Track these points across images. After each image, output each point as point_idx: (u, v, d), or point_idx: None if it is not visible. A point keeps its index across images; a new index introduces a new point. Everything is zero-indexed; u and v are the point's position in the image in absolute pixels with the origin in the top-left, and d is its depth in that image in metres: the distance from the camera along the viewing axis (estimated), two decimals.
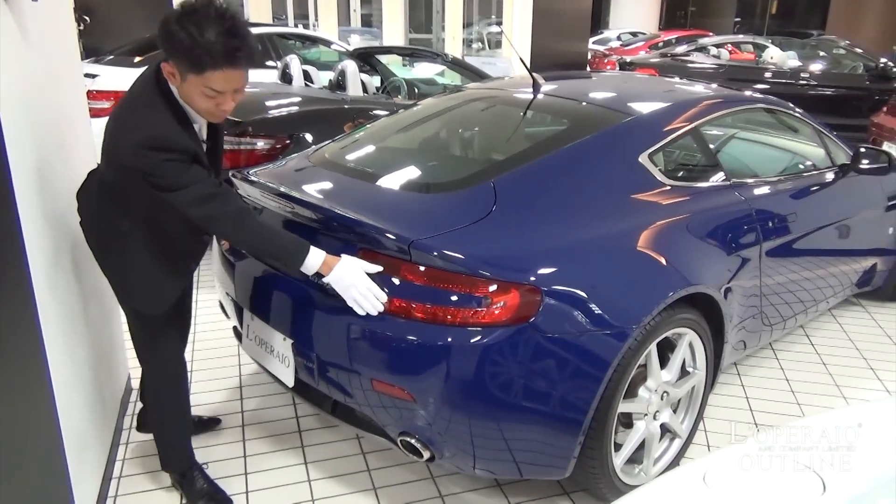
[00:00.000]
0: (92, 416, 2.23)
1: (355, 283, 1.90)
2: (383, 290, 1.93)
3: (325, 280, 1.93)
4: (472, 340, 1.87)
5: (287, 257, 1.91)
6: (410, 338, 1.89)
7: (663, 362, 2.29)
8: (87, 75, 4.85)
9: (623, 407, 2.15)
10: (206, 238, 2.11)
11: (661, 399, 2.30)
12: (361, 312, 1.91)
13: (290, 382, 2.23)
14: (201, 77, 1.69)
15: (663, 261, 2.21)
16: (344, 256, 1.94)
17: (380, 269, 1.95)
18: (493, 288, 1.88)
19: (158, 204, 1.82)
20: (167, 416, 2.21)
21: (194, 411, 2.52)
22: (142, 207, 1.90)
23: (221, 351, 3.18)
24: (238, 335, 2.57)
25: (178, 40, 1.65)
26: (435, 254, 1.89)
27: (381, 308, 1.91)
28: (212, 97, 1.74)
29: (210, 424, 2.62)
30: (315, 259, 1.90)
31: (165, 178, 1.75)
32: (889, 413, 1.65)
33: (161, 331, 2.10)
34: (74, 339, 2.12)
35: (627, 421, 2.27)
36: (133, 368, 2.97)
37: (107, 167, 1.92)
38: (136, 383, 2.92)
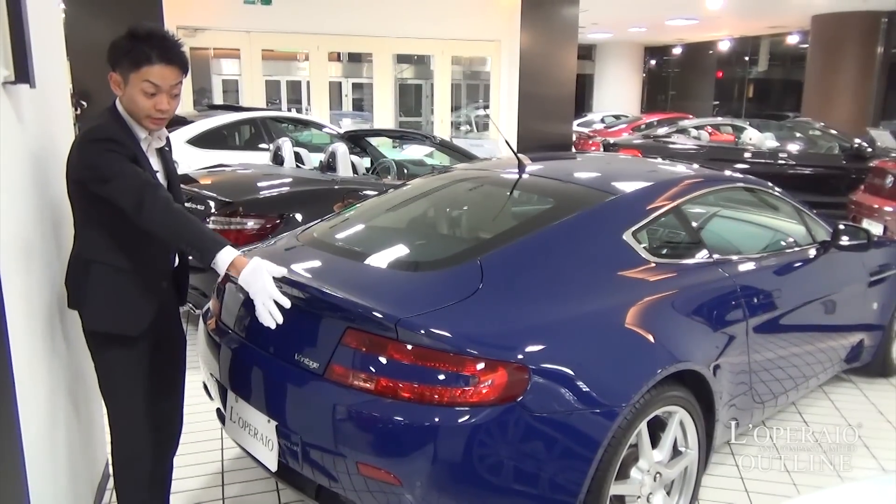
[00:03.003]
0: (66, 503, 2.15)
1: (261, 288, 1.88)
2: (368, 368, 1.92)
3: (238, 282, 1.91)
4: (459, 420, 1.84)
5: (203, 249, 1.91)
6: (397, 418, 1.86)
7: (655, 442, 2.26)
8: None
9: (615, 489, 2.10)
10: (172, 255, 2.14)
11: (654, 480, 2.25)
12: (265, 323, 1.89)
13: (274, 467, 2.16)
14: (139, 73, 1.90)
15: (651, 338, 2.22)
16: (254, 259, 1.92)
17: (284, 271, 1.96)
18: (480, 366, 1.87)
19: (118, 223, 1.91)
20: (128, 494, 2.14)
21: (174, 501, 2.43)
22: (103, 232, 1.96)
23: (203, 434, 3.10)
24: (221, 417, 2.51)
25: (120, 47, 1.92)
26: (422, 332, 1.89)
27: (275, 323, 1.89)
28: (151, 94, 1.92)
29: None
30: (226, 256, 1.88)
31: (104, 168, 1.86)
32: (885, 491, 1.62)
33: (132, 397, 2.06)
34: (53, 421, 2.07)
35: None
36: None
37: (70, 201, 2.01)
38: None
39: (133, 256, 2.00)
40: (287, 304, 1.91)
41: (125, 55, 1.91)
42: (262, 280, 1.89)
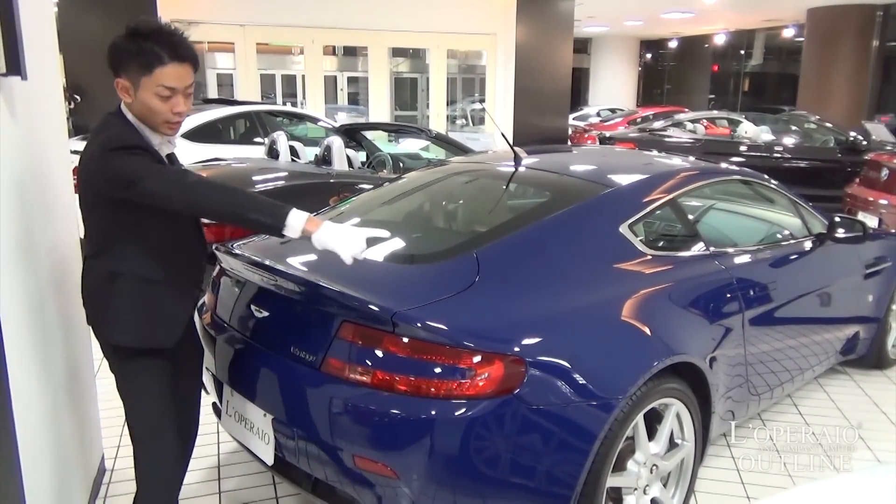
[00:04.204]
0: (61, 500, 2.14)
1: (350, 234, 1.79)
2: (365, 361, 1.91)
3: (314, 239, 1.78)
4: (456, 413, 1.83)
5: (273, 215, 1.78)
6: (393, 411, 1.86)
7: (651, 434, 2.26)
8: (74, 152, 4.90)
9: (612, 481, 2.10)
10: (203, 262, 2.03)
11: (651, 472, 2.25)
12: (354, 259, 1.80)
13: (270, 460, 2.16)
14: (152, 77, 1.76)
15: (647, 330, 2.21)
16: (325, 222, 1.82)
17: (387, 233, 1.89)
18: (477, 359, 1.86)
19: (146, 231, 1.82)
20: None
21: None
22: (130, 241, 1.83)
23: (200, 428, 3.09)
24: (217, 411, 2.51)
25: (124, 50, 1.76)
26: (418, 325, 1.88)
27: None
28: (166, 98, 1.79)
29: None
30: (298, 217, 1.77)
31: (132, 172, 1.73)
32: (881, 482, 1.62)
33: (160, 416, 1.94)
34: (47, 418, 2.06)
35: (617, 496, 2.21)
36: (108, 448, 2.88)
37: (85, 217, 1.89)
38: (109, 463, 2.82)
39: (163, 266, 1.87)
40: (387, 234, 1.89)
41: (133, 58, 1.75)
42: (342, 231, 1.79)
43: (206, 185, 1.79)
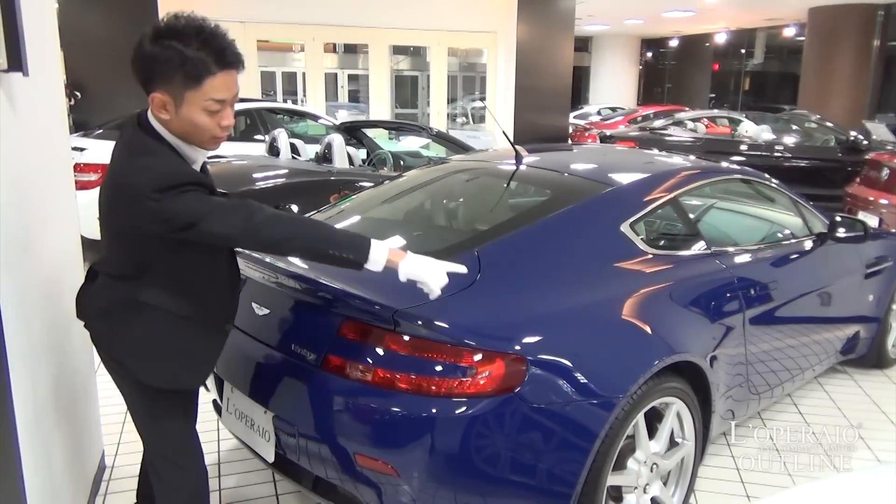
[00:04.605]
0: (61, 498, 2.14)
1: (433, 266, 1.74)
2: (365, 359, 1.91)
3: (401, 271, 1.73)
4: (457, 412, 1.83)
5: (355, 249, 1.65)
6: (394, 409, 1.86)
7: (651, 433, 2.26)
8: (75, 148, 4.90)
9: (612, 480, 2.11)
10: (237, 292, 1.89)
11: (651, 471, 2.26)
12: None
13: (271, 458, 2.16)
14: (200, 90, 1.54)
15: (648, 329, 2.21)
16: (408, 253, 1.76)
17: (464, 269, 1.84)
18: (478, 357, 1.86)
19: (181, 262, 1.67)
20: None
21: None
22: (162, 271, 1.67)
23: (199, 426, 3.08)
24: (217, 409, 2.51)
25: (164, 60, 1.51)
26: (419, 323, 1.88)
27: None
28: (215, 111, 1.58)
29: None
30: (381, 250, 1.66)
31: (187, 212, 1.53)
32: (881, 482, 1.62)
33: (186, 433, 1.88)
34: (47, 415, 2.06)
35: (617, 495, 2.22)
36: (108, 445, 2.87)
37: (112, 238, 1.71)
38: (109, 460, 2.82)
39: (196, 301, 1.72)
40: (465, 270, 1.84)
41: (176, 70, 1.50)
42: (427, 262, 1.75)
43: (274, 221, 1.61)
